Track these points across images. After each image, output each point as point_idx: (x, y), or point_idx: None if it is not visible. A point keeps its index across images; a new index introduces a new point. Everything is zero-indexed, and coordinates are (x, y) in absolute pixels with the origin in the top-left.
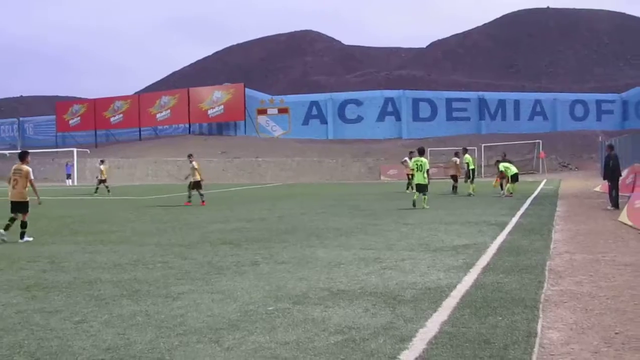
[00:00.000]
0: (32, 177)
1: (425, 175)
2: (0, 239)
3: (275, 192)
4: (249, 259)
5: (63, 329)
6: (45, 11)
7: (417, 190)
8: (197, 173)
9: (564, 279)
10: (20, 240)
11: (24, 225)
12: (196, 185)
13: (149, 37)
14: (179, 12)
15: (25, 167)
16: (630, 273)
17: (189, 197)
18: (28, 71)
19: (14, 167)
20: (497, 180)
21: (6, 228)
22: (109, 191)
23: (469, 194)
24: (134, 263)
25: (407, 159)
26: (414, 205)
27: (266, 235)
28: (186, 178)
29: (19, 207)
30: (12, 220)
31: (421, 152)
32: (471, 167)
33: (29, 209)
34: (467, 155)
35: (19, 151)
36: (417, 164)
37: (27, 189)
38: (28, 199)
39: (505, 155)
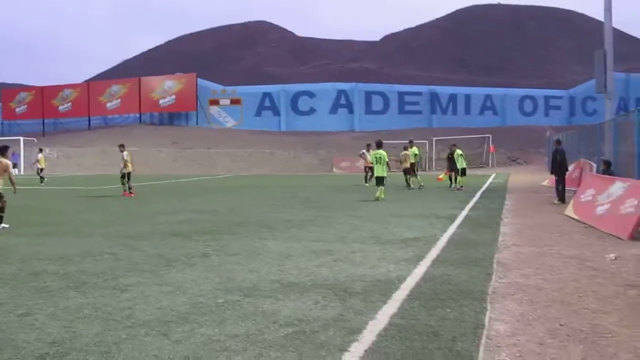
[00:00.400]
0: (11, 171)
1: (385, 167)
2: None
3: (226, 184)
4: (199, 251)
5: (6, 322)
6: None
7: (377, 183)
8: (128, 164)
9: (511, 271)
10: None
11: (1, 209)
12: (127, 175)
13: (100, 23)
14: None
15: (5, 161)
16: (575, 266)
17: (128, 187)
18: None
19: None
20: (445, 173)
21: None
22: (42, 180)
23: (420, 187)
24: (81, 254)
25: (364, 151)
26: (377, 199)
27: (217, 227)
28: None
29: None
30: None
31: (379, 145)
32: (411, 160)
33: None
34: (414, 148)
35: None
36: (376, 157)
37: (2, 180)
38: (1, 190)
39: (454, 146)
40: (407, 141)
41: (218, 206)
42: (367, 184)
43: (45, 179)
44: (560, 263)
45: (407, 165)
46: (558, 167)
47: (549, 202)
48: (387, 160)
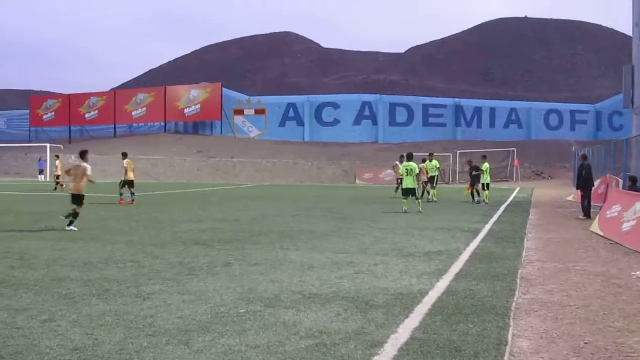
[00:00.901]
0: (89, 174)
1: (415, 179)
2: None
3: (249, 193)
4: (221, 260)
5: (30, 327)
6: (21, 3)
7: (404, 194)
8: (128, 172)
9: (535, 287)
10: (66, 228)
11: (75, 215)
12: (128, 183)
13: (127, 33)
14: (158, 10)
15: (84, 165)
16: (601, 283)
17: (131, 194)
18: (2, 64)
19: (74, 163)
20: (468, 189)
21: (68, 216)
22: (56, 188)
23: (433, 201)
24: (104, 262)
25: (397, 163)
26: (405, 212)
27: (239, 237)
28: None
29: (75, 199)
30: (74, 214)
31: (410, 157)
32: (432, 174)
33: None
34: (434, 161)
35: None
36: (407, 169)
37: (83, 183)
38: (84, 192)
39: (484, 158)
40: (428, 154)
41: (241, 216)
42: (396, 194)
43: (57, 187)
44: (586, 280)
45: (424, 178)
46: (584, 182)
47: (574, 218)
48: (417, 172)
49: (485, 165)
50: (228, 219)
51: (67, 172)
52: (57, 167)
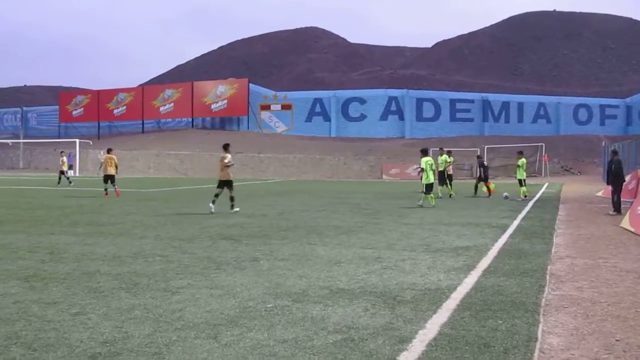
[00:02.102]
0: (226, 162)
1: (434, 174)
2: (210, 211)
3: (276, 189)
4: (248, 255)
5: (60, 320)
6: (50, 2)
7: (428, 189)
8: (108, 167)
9: (564, 283)
10: (230, 211)
11: (232, 199)
12: (109, 178)
13: (154, 30)
14: (185, 6)
15: (224, 154)
16: (632, 280)
17: (113, 185)
18: (32, 60)
19: (221, 155)
20: (486, 184)
21: (213, 202)
22: (59, 183)
23: (450, 195)
24: (133, 256)
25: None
26: (433, 206)
27: (266, 232)
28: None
29: (226, 184)
30: (217, 195)
31: (426, 152)
32: (440, 168)
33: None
34: (444, 156)
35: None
36: (429, 164)
37: (227, 170)
38: (231, 177)
39: (520, 154)
40: (439, 149)
41: (268, 211)
42: (441, 188)
43: (62, 182)
44: (616, 276)
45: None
46: (614, 178)
47: (604, 213)
48: (443, 167)
49: (522, 161)
50: (255, 214)
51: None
52: (62, 162)
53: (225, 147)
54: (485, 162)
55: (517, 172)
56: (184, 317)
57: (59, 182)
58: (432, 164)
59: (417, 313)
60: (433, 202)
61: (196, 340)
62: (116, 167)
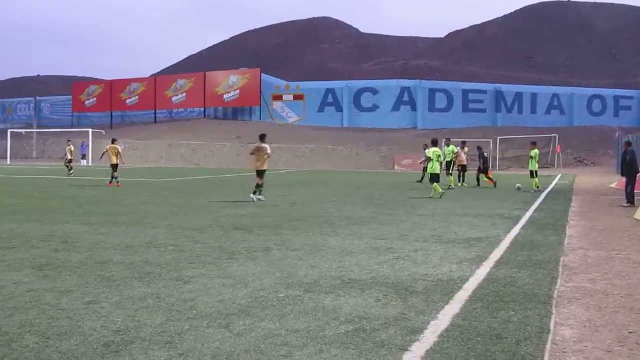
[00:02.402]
0: (269, 152)
1: (440, 165)
2: (252, 200)
3: (288, 179)
4: (260, 245)
5: (74, 309)
6: None
7: (433, 179)
8: (111, 156)
9: (577, 275)
10: (252, 196)
11: (259, 186)
12: (113, 167)
13: (166, 20)
14: None
15: (264, 146)
16: None
17: (116, 178)
18: (46, 51)
19: (255, 145)
20: (488, 174)
21: (255, 193)
22: (70, 171)
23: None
24: (146, 245)
25: (459, 149)
26: (440, 196)
27: (278, 222)
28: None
29: (261, 173)
30: (258, 186)
31: (435, 143)
32: (447, 159)
33: (264, 177)
34: (451, 146)
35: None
36: (437, 154)
37: (266, 161)
38: (266, 167)
39: (533, 144)
40: (445, 139)
41: (280, 201)
42: (459, 184)
43: (72, 172)
44: (630, 268)
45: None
46: (628, 169)
47: (618, 205)
48: (449, 158)
49: (535, 152)
50: (267, 204)
51: (252, 154)
52: (69, 151)
53: (262, 138)
54: (485, 154)
55: (530, 163)
56: (196, 307)
57: (70, 171)
58: (439, 154)
59: (429, 304)
60: (439, 192)
61: (208, 329)
62: (119, 156)
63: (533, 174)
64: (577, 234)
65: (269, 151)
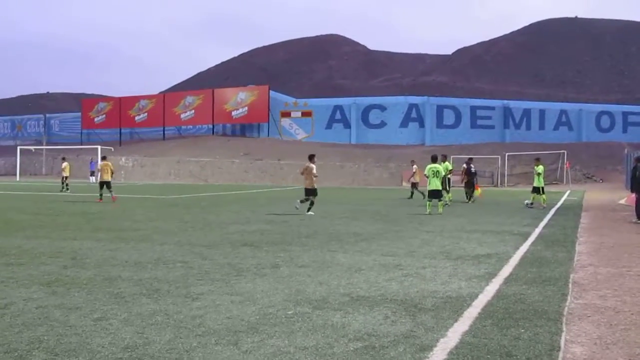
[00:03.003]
0: (314, 172)
1: (440, 182)
2: (295, 207)
3: (296, 195)
4: (269, 262)
5: (82, 325)
6: (73, 9)
7: (430, 196)
8: (103, 173)
9: (587, 292)
10: (306, 213)
11: (312, 204)
12: (105, 184)
13: (175, 37)
14: (205, 13)
15: (311, 165)
16: None
17: (111, 192)
18: (55, 68)
19: (305, 165)
20: (476, 187)
21: (306, 203)
22: (67, 188)
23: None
24: (154, 262)
25: (464, 165)
26: (429, 214)
27: (287, 238)
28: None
29: (309, 192)
30: (306, 200)
31: (434, 159)
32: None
33: (315, 194)
34: (446, 163)
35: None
36: (433, 171)
37: (312, 179)
38: (315, 186)
39: (537, 161)
40: (441, 155)
41: (288, 217)
42: (467, 201)
43: (69, 189)
44: None
45: (416, 180)
46: (638, 185)
47: (627, 221)
48: (444, 174)
49: (540, 168)
50: (275, 221)
51: (301, 173)
52: (63, 168)
53: (311, 158)
54: (472, 168)
55: (536, 179)
56: (204, 324)
57: (65, 189)
58: (435, 171)
59: (438, 321)
60: (440, 209)
61: (217, 346)
62: (112, 173)
63: (539, 190)
64: (587, 250)
65: (314, 171)
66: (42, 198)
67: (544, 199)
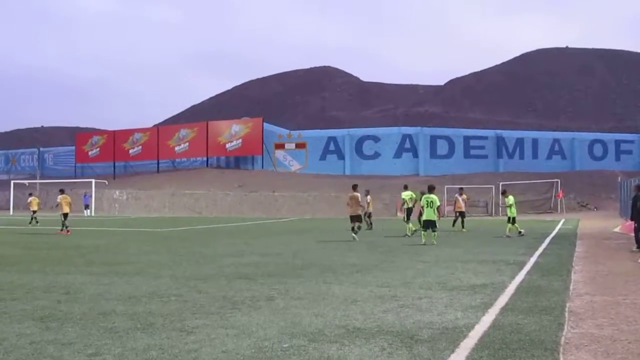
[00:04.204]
0: (359, 200)
1: (435, 211)
2: (352, 238)
3: (291, 227)
4: (264, 294)
5: None
6: (67, 43)
7: (425, 226)
8: (63, 206)
9: (584, 321)
10: (353, 234)
11: (358, 228)
12: (64, 215)
13: (169, 70)
14: (199, 47)
15: (356, 194)
16: None
17: (64, 227)
18: (49, 102)
19: (350, 194)
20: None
21: (353, 229)
22: (37, 222)
23: (405, 235)
24: (148, 295)
25: (457, 195)
26: (424, 244)
27: (282, 270)
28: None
29: (354, 219)
30: (355, 227)
31: (431, 189)
32: (408, 205)
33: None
34: (408, 192)
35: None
36: (427, 201)
37: (358, 207)
38: (360, 212)
39: (504, 193)
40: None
41: (283, 249)
42: (457, 228)
43: (38, 222)
44: (637, 313)
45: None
46: (638, 214)
47: (622, 249)
48: (439, 204)
49: (510, 199)
50: (270, 253)
51: (348, 203)
52: (30, 202)
53: (354, 188)
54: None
55: (508, 210)
56: (199, 358)
57: (34, 221)
58: (430, 201)
59: (435, 352)
60: (434, 240)
61: None
62: (70, 205)
63: (512, 220)
64: (583, 279)
65: (360, 199)
66: (35, 231)
67: (509, 228)
